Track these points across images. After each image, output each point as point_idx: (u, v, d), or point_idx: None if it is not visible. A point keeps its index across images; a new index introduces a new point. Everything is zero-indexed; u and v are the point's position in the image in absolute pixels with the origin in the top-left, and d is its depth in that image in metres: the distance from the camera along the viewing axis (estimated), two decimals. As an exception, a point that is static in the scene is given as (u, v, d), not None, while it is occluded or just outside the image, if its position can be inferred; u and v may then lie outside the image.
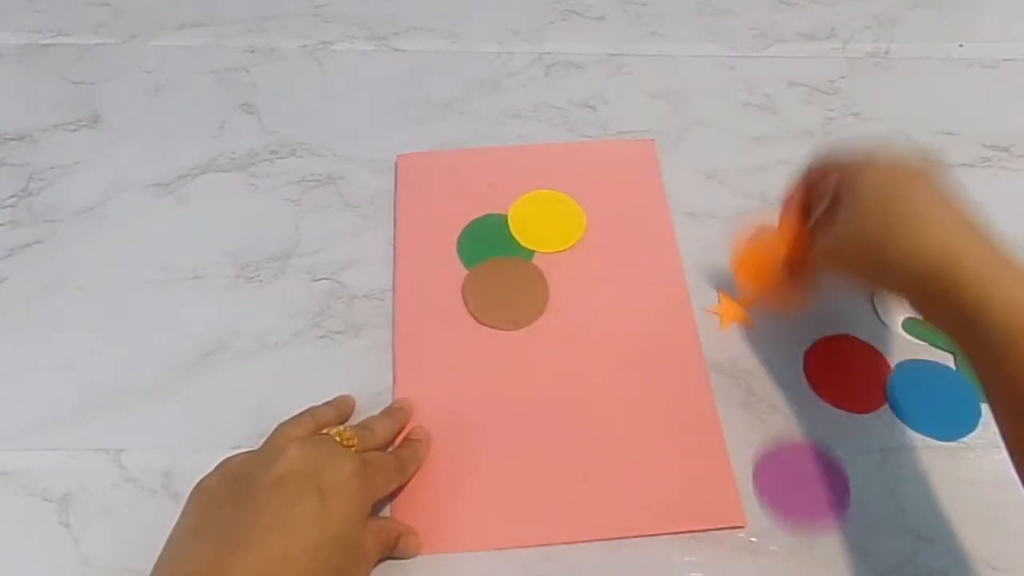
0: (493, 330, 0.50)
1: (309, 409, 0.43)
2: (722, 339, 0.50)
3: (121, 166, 0.57)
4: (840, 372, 0.49)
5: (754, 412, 0.47)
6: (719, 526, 0.43)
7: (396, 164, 0.57)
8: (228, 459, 0.39)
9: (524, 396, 0.47)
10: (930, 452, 0.46)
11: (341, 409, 0.45)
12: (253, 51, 0.64)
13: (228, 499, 0.37)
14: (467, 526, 0.43)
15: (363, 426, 0.43)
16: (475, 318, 0.50)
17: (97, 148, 0.58)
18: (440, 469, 0.44)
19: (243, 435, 0.44)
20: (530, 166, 0.57)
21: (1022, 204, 0.56)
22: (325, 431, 0.41)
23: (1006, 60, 0.65)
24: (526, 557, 0.42)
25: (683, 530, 0.43)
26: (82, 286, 0.51)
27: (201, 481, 0.39)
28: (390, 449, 0.45)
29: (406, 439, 0.45)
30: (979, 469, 0.45)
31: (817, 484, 0.45)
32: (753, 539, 0.43)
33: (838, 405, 0.48)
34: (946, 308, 0.36)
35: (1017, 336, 0.34)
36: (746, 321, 0.51)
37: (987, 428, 0.46)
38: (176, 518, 0.37)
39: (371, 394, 0.47)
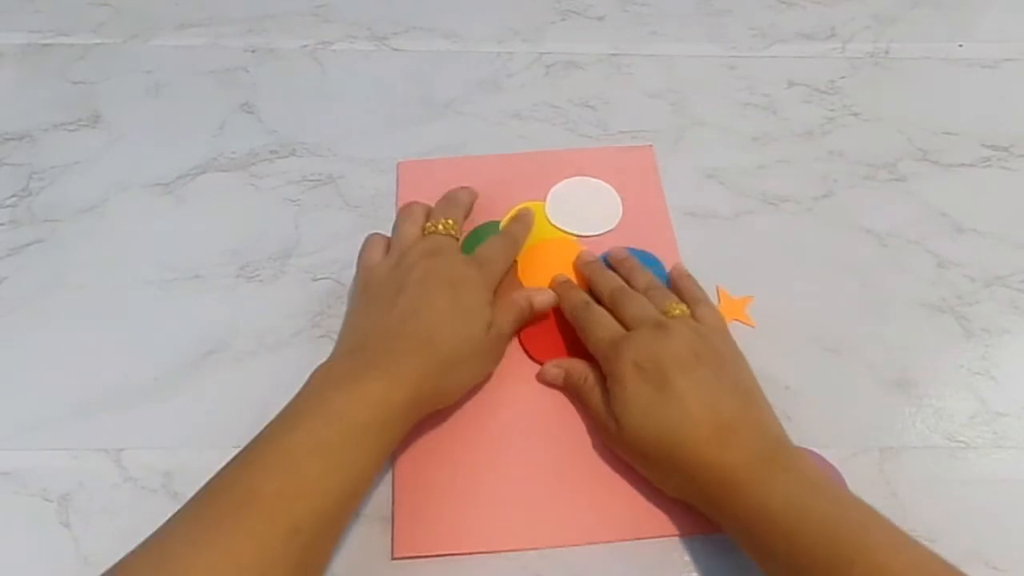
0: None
1: (420, 206, 0.51)
2: (722, 339, 0.50)
3: (121, 166, 0.57)
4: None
5: (754, 412, 0.47)
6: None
7: (397, 170, 0.57)
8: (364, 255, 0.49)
9: (524, 397, 0.47)
10: (930, 452, 0.46)
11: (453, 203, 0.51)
12: (253, 51, 0.64)
13: (385, 290, 0.45)
14: (468, 528, 0.43)
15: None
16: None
17: (97, 148, 0.58)
18: (441, 471, 0.44)
19: (243, 435, 0.44)
20: (529, 173, 0.57)
21: (1022, 204, 0.57)
22: (431, 225, 0.48)
23: (1006, 60, 0.65)
24: (526, 558, 0.42)
25: (683, 533, 0.43)
26: (82, 286, 0.52)
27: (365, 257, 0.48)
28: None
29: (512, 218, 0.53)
30: (979, 469, 0.45)
31: None
32: (753, 539, 0.43)
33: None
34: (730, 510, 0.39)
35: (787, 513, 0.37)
36: (746, 320, 0.51)
37: (987, 427, 0.47)
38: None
39: (371, 394, 0.47)
